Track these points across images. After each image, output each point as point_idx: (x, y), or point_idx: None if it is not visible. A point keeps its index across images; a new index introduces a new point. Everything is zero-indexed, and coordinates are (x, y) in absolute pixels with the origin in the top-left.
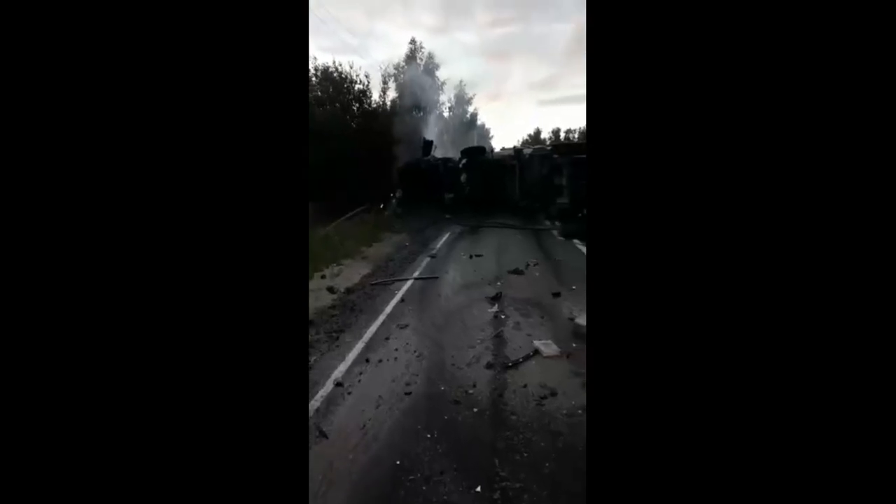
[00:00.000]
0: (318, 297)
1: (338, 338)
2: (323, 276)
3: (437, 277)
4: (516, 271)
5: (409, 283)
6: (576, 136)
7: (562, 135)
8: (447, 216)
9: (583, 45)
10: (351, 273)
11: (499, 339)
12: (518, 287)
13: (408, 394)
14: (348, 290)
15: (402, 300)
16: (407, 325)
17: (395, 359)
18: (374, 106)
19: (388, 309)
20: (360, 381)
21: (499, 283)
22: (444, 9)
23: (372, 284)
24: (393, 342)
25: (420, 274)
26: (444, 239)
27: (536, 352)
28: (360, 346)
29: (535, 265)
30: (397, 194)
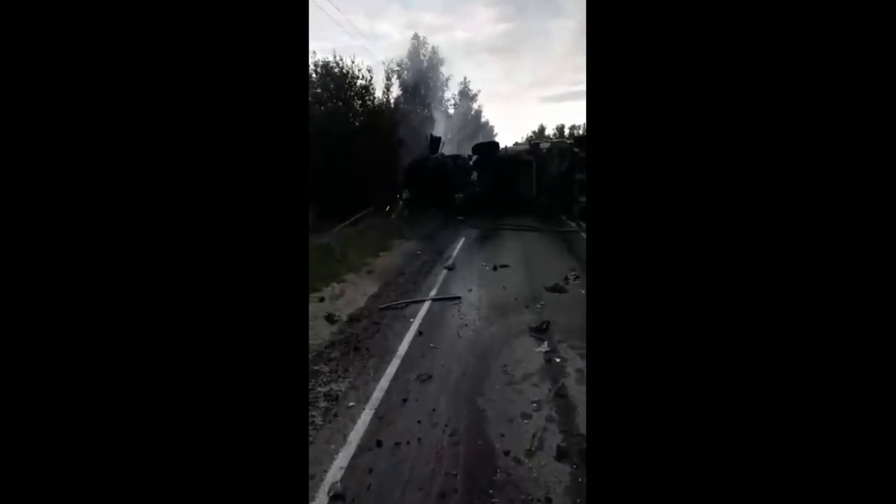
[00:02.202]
0: (314, 328)
1: (337, 400)
2: (321, 300)
3: (459, 299)
4: (557, 288)
5: (426, 306)
6: (583, 131)
7: (566, 130)
8: (459, 218)
9: (583, 42)
10: (355, 293)
11: (562, 399)
12: (565, 310)
13: None
14: (351, 319)
15: (420, 333)
16: (430, 378)
17: (419, 440)
18: (378, 103)
19: (403, 348)
20: (369, 488)
21: (538, 306)
22: (444, 8)
23: (381, 309)
24: (413, 407)
25: (437, 293)
26: (459, 245)
27: None
28: (367, 415)
29: (575, 279)
30: (404, 195)
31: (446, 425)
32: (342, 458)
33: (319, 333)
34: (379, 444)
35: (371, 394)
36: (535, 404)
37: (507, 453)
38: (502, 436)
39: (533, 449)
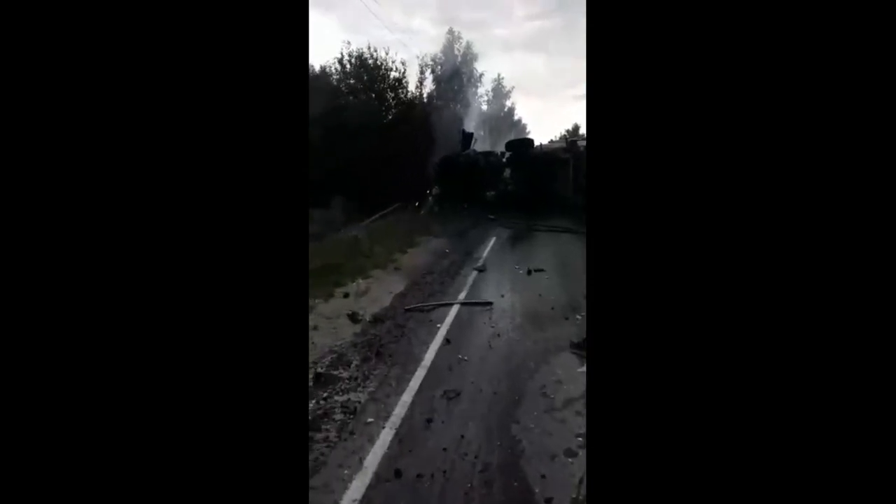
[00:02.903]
0: (337, 327)
1: (354, 413)
2: (346, 296)
3: (490, 304)
4: None
5: (454, 310)
6: None
7: None
8: (490, 216)
9: None
10: (380, 291)
11: None
12: None
13: None
14: (375, 319)
15: (447, 341)
16: (457, 395)
17: (445, 473)
18: (411, 97)
19: (429, 357)
20: None
21: (579, 318)
22: (481, 4)
23: (406, 310)
24: (438, 431)
25: (467, 297)
26: (489, 245)
27: None
28: (387, 436)
29: None
30: (434, 191)
31: (476, 457)
32: (356, 489)
33: (341, 333)
34: (398, 474)
35: (392, 409)
36: (580, 438)
37: (548, 502)
38: (543, 477)
39: (580, 498)
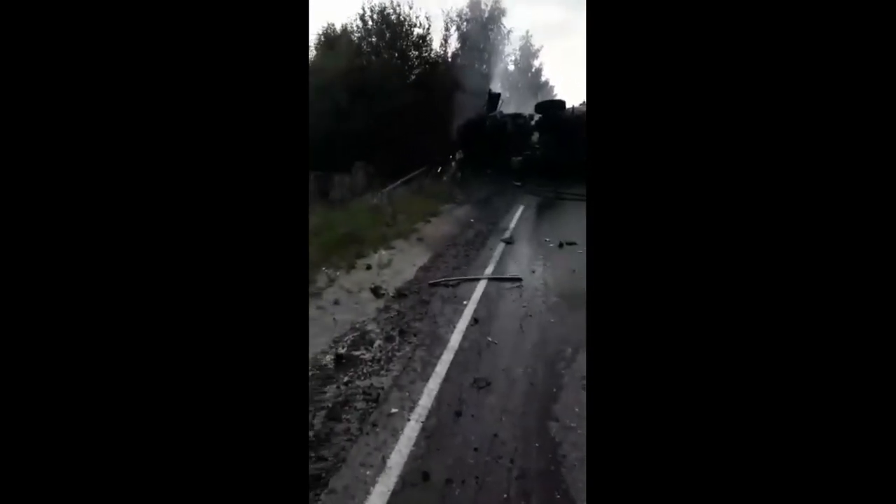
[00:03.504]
0: (359, 302)
1: (377, 401)
2: (369, 267)
3: (520, 281)
4: None
5: (481, 286)
6: None
7: None
8: (517, 183)
9: None
10: (403, 262)
11: None
12: None
13: None
14: (398, 293)
15: (475, 321)
16: (488, 385)
17: (477, 480)
18: (435, 55)
19: (455, 339)
20: None
21: None
22: None
23: (431, 285)
24: (468, 426)
25: (494, 272)
26: (517, 214)
27: None
28: (412, 430)
29: None
30: (457, 156)
31: (512, 461)
32: (378, 495)
33: (364, 309)
34: (426, 477)
35: (418, 399)
36: None
37: None
38: None
39: None
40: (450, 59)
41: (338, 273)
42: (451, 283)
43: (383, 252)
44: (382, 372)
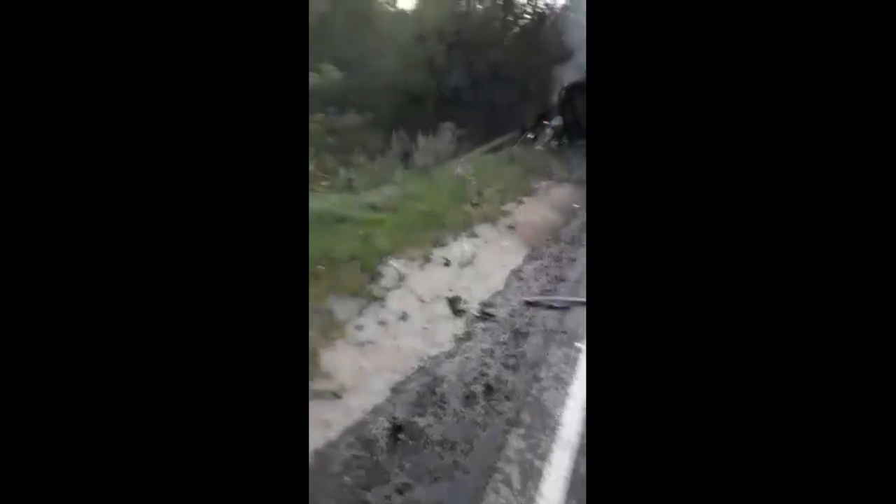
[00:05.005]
0: (432, 320)
1: None
2: (447, 263)
3: None
4: None
5: None
6: None
7: None
8: None
9: None
10: (490, 261)
11: None
12: None
13: None
14: (484, 313)
15: None
16: None
17: None
18: (543, 7)
19: (572, 422)
20: None
21: None
22: None
23: (527, 303)
24: None
25: None
26: None
27: None
28: None
29: None
30: (553, 122)
31: None
32: None
33: (437, 333)
34: None
35: None
36: None
37: None
38: None
39: None
40: (558, 10)
41: (411, 266)
42: (555, 304)
43: (465, 243)
44: (456, 473)
